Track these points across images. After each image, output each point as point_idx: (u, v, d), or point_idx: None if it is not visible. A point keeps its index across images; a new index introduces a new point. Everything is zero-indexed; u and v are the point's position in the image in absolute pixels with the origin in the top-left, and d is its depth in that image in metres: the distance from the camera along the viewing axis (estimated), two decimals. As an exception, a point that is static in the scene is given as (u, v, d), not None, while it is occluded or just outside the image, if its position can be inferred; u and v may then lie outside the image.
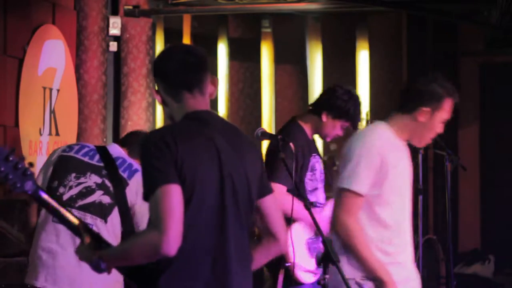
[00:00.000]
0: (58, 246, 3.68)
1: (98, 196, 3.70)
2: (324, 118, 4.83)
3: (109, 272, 2.78)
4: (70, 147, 3.86)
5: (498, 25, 7.42)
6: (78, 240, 3.60)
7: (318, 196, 4.88)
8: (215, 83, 2.91)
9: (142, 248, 2.64)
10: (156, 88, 2.88)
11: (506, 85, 8.67)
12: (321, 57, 8.85)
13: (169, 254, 2.61)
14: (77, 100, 6.89)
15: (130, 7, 7.49)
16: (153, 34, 7.76)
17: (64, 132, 6.59)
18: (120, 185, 3.71)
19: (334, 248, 3.58)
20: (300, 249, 4.69)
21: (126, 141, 3.99)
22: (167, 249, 2.58)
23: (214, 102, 8.88)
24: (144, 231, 2.69)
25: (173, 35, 8.56)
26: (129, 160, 3.81)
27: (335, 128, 4.86)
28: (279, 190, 4.60)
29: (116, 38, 7.49)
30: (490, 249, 8.58)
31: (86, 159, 3.79)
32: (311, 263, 4.74)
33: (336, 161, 8.23)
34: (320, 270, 4.77)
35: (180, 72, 2.82)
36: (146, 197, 2.65)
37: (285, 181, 4.64)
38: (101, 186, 3.73)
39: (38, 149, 6.22)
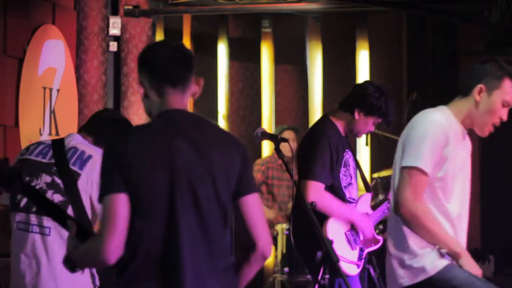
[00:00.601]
0: (21, 252, 3.70)
1: (50, 196, 3.63)
2: (356, 115, 4.88)
3: (82, 271, 2.81)
4: (27, 149, 3.83)
5: (498, 25, 7.42)
6: (39, 248, 3.65)
7: (351, 191, 4.94)
8: (199, 84, 2.88)
9: (86, 254, 2.71)
10: (141, 80, 2.86)
11: (506, 85, 8.66)
12: (321, 57, 8.85)
13: (108, 263, 2.64)
14: (77, 100, 6.89)
15: (130, 7, 7.50)
16: (153, 34, 7.76)
17: (64, 132, 6.58)
18: (70, 180, 3.66)
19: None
20: (340, 242, 4.73)
21: (92, 129, 3.89)
22: (105, 258, 2.63)
23: (214, 102, 8.88)
24: (91, 239, 2.72)
25: (173, 35, 8.55)
26: (84, 147, 3.72)
27: (368, 124, 4.92)
28: (315, 187, 4.66)
29: (116, 38, 7.49)
30: (490, 249, 8.58)
31: (39, 158, 3.74)
32: (353, 255, 4.81)
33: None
34: (362, 262, 4.88)
35: (167, 66, 2.81)
36: (100, 203, 2.70)
37: (320, 178, 4.72)
38: (51, 185, 3.68)
39: (38, 149, 6.21)
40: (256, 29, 9.04)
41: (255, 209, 2.84)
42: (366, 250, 4.95)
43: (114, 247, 2.62)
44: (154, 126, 2.80)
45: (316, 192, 4.67)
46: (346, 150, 4.91)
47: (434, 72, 8.76)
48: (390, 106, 4.91)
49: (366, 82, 5.11)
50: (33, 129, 6.20)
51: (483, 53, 8.87)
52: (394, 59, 9.03)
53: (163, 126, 2.77)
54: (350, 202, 4.93)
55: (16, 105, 6.00)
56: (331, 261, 3.74)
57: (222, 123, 8.84)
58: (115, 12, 7.50)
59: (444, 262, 3.64)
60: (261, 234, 2.84)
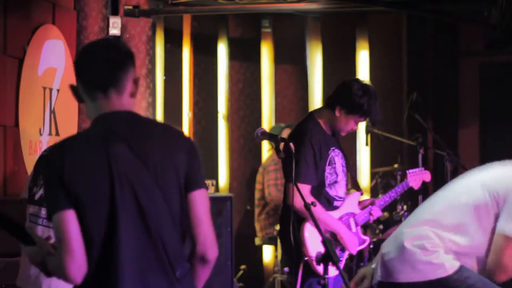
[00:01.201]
0: None
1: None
2: (337, 113, 4.82)
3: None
4: (50, 147, 3.93)
5: (498, 25, 7.42)
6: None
7: (338, 189, 4.88)
8: (137, 82, 2.76)
9: (56, 273, 2.64)
10: (75, 85, 2.75)
11: (506, 85, 8.67)
12: (321, 57, 8.85)
13: (75, 282, 2.58)
14: (77, 100, 6.88)
15: (130, 7, 7.49)
16: (153, 34, 7.76)
17: (64, 132, 6.58)
18: None
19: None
20: (317, 242, 4.70)
21: None
22: (70, 280, 2.57)
23: (214, 102, 8.87)
24: (54, 257, 2.63)
25: (173, 35, 8.56)
26: None
27: (349, 123, 4.85)
28: (301, 189, 4.64)
29: (116, 38, 7.48)
30: (490, 249, 8.58)
31: None
32: None
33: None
34: (342, 263, 4.84)
35: (96, 71, 2.69)
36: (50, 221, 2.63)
37: (305, 179, 4.68)
38: None
39: (38, 149, 6.21)
40: (256, 29, 9.04)
41: (199, 205, 2.71)
42: (348, 251, 4.88)
43: (75, 267, 2.55)
44: (90, 134, 2.69)
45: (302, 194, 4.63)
46: (332, 148, 4.85)
47: (434, 72, 8.75)
48: (373, 106, 4.82)
49: (352, 80, 5.01)
50: (33, 129, 6.20)
51: (483, 53, 8.88)
52: (394, 59, 9.02)
53: (99, 132, 2.65)
54: (335, 200, 4.88)
55: (16, 105, 6.00)
56: (331, 261, 3.73)
57: (222, 123, 8.84)
58: (115, 12, 7.49)
59: (458, 263, 3.81)
60: (202, 233, 2.71)
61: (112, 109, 2.68)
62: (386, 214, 7.77)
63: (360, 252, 6.94)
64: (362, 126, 7.22)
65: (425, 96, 8.33)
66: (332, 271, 4.77)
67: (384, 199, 5.18)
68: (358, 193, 5.06)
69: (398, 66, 8.99)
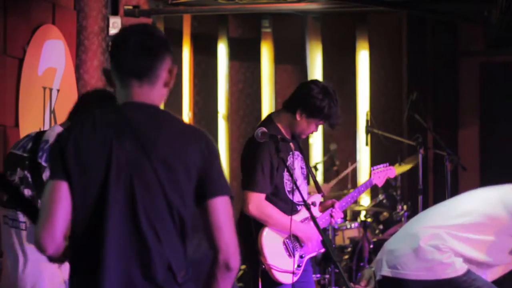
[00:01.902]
0: (5, 246, 3.73)
1: (21, 191, 3.61)
2: (298, 116, 4.67)
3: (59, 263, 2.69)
4: (17, 143, 3.88)
5: (498, 25, 7.42)
6: (16, 242, 3.64)
7: (299, 194, 4.79)
8: (173, 72, 2.66)
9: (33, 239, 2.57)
10: (107, 68, 2.68)
11: (506, 85, 8.67)
12: (321, 57, 8.85)
13: (45, 252, 2.52)
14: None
15: (130, 7, 7.49)
16: (153, 34, 7.75)
17: (64, 132, 6.58)
18: (36, 174, 3.63)
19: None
20: (276, 250, 4.63)
21: (73, 115, 3.85)
22: (42, 247, 2.50)
23: (214, 102, 8.87)
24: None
25: (173, 35, 8.55)
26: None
27: (310, 126, 4.71)
28: (256, 199, 4.58)
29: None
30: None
31: (19, 152, 3.77)
32: (290, 264, 4.63)
33: (336, 161, 8.22)
34: (301, 269, 4.76)
35: (131, 57, 2.60)
36: None
37: (261, 188, 4.58)
38: (22, 180, 3.68)
39: (38, 149, 6.21)
40: (256, 29, 9.04)
41: (221, 214, 2.58)
42: (307, 256, 4.80)
43: (50, 236, 2.48)
44: (103, 121, 2.59)
45: (256, 204, 4.54)
46: (291, 152, 4.70)
47: (434, 72, 8.76)
48: (334, 109, 4.67)
49: (311, 81, 4.84)
50: (33, 129, 6.19)
51: (483, 53, 8.88)
52: (394, 59, 9.03)
53: (113, 121, 2.58)
54: (298, 205, 4.74)
55: (16, 105, 5.99)
56: (331, 261, 3.70)
57: (222, 123, 8.84)
58: (115, 12, 7.49)
59: (466, 266, 3.95)
60: (224, 241, 2.58)
61: (139, 99, 2.61)
62: (386, 214, 7.77)
63: (360, 252, 6.94)
64: (362, 126, 7.21)
65: (425, 96, 8.33)
66: (289, 279, 4.67)
67: (345, 199, 5.06)
68: (319, 195, 4.97)
69: (398, 66, 9.00)
